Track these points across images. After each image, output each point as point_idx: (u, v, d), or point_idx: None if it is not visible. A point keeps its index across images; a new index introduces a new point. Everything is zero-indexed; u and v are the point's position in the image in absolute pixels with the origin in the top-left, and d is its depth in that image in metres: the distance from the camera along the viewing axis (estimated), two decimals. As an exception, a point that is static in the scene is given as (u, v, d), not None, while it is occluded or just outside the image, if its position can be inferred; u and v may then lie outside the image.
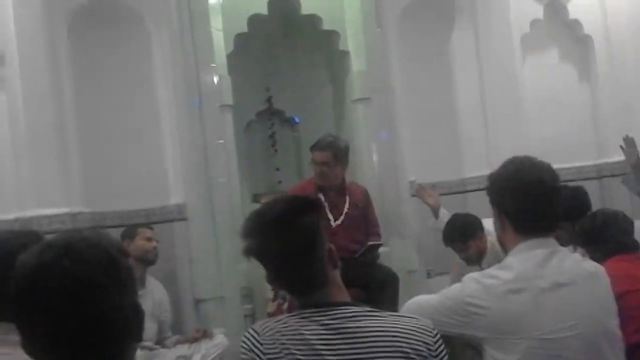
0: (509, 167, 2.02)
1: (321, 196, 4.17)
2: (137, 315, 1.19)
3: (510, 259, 1.95)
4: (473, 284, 1.92)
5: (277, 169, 5.93)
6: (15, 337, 1.17)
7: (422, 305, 2.04)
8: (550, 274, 1.88)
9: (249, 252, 1.69)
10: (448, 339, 2.21)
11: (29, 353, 1.14)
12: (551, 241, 1.97)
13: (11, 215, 4.03)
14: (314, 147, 4.29)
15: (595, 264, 2.06)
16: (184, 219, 4.62)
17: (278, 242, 1.63)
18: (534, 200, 1.94)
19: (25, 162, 4.06)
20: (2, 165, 4.12)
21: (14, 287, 1.13)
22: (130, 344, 1.19)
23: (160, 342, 3.98)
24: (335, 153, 4.26)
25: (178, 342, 3.95)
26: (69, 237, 1.17)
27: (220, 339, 3.92)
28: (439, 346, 1.63)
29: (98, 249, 1.15)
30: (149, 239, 4.05)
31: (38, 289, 1.10)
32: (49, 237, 1.24)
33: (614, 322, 1.96)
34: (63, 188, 4.10)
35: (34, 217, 3.98)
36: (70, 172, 4.18)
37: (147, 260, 4.00)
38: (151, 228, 4.18)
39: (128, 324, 1.16)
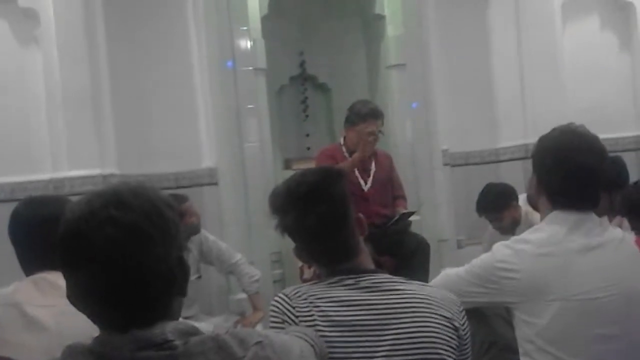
0: (558, 141, 1.94)
1: None
2: (182, 269, 1.16)
3: (542, 224, 1.94)
4: (504, 249, 1.90)
5: (307, 135, 5.88)
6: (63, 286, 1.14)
7: (449, 278, 2.02)
8: (580, 237, 1.86)
9: (283, 227, 1.65)
10: (479, 312, 2.18)
11: (72, 303, 1.13)
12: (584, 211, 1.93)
13: (46, 176, 4.04)
14: (368, 116, 4.03)
15: (621, 231, 2.03)
16: (215, 184, 4.61)
17: (314, 213, 1.59)
18: (577, 184, 1.90)
19: (59, 123, 4.04)
20: (37, 126, 4.10)
21: (61, 233, 1.11)
22: (175, 298, 1.17)
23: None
24: (383, 120, 4.18)
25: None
26: (116, 187, 1.15)
27: None
28: (465, 319, 1.61)
29: (145, 199, 1.13)
30: (195, 213, 3.86)
31: (85, 235, 1.08)
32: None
33: None
34: (96, 150, 4.09)
35: (67, 178, 3.99)
36: (104, 134, 4.16)
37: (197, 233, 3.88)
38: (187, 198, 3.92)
39: (173, 277, 1.14)
